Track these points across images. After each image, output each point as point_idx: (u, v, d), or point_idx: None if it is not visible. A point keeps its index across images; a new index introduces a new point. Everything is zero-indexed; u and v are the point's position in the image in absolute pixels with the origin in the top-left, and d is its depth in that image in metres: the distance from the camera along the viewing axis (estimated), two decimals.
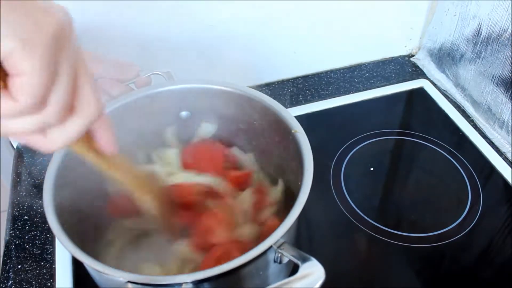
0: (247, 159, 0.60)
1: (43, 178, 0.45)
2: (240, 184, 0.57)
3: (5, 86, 0.27)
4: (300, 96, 0.81)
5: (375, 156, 0.70)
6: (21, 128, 0.29)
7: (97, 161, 0.39)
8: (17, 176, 0.67)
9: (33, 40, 0.26)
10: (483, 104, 0.75)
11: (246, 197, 0.55)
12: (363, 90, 0.82)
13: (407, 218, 0.62)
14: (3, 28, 0.25)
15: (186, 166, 0.58)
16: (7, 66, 0.27)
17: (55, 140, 0.32)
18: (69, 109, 0.31)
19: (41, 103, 0.28)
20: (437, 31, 0.83)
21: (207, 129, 0.61)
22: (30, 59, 0.26)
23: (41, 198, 0.44)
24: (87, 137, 0.37)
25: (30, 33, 0.26)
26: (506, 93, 0.70)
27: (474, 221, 0.61)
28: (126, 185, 0.45)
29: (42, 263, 0.57)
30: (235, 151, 0.60)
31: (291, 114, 0.52)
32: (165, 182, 0.55)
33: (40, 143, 0.32)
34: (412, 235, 0.60)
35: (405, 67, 0.88)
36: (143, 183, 0.47)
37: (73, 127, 0.32)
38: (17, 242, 0.59)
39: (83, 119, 0.32)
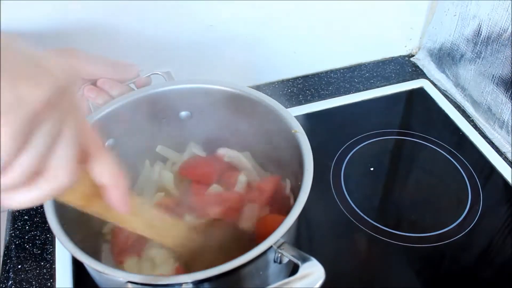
0: (243, 160, 0.60)
1: None
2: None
3: None
4: (300, 96, 0.81)
5: (375, 156, 0.70)
6: None
7: (106, 216, 0.37)
8: None
9: (8, 116, 0.24)
10: (483, 104, 0.75)
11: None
12: (363, 90, 0.82)
13: (407, 218, 0.62)
14: None
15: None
16: None
17: (18, 200, 0.29)
18: (38, 172, 0.28)
19: (4, 168, 0.26)
20: (437, 31, 0.83)
21: (195, 149, 0.61)
22: (2, 128, 0.24)
23: None
24: (95, 194, 0.34)
25: (8, 107, 0.24)
26: (506, 93, 0.70)
27: (474, 221, 0.61)
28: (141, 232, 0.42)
29: (42, 263, 0.57)
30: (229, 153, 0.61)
31: (291, 114, 0.52)
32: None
33: (5, 200, 0.29)
34: (412, 235, 0.60)
35: (405, 67, 0.88)
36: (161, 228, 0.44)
37: (39, 191, 0.29)
38: (17, 242, 0.59)
39: (50, 185, 0.29)
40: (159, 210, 0.45)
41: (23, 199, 0.29)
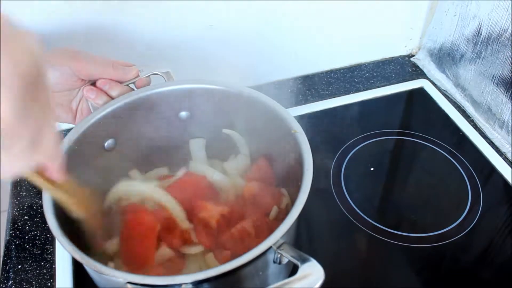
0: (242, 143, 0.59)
1: None
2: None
3: None
4: (300, 96, 0.81)
5: (375, 156, 0.70)
6: None
7: (50, 188, 0.41)
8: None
9: (7, 82, 0.26)
10: (483, 104, 0.75)
11: None
12: (363, 90, 0.82)
13: (407, 218, 0.62)
14: None
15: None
16: None
17: (7, 167, 0.31)
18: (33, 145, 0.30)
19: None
20: (437, 31, 0.83)
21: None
22: (4, 100, 0.26)
23: (41, 198, 0.44)
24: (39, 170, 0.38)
25: (7, 74, 0.26)
26: (506, 93, 0.70)
27: (474, 221, 0.61)
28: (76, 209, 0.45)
29: (42, 263, 0.57)
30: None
31: (291, 114, 0.52)
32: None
33: None
34: (412, 235, 0.59)
35: (405, 67, 0.88)
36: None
37: (29, 161, 0.32)
38: (17, 242, 0.59)
39: (41, 157, 0.32)
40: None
41: (13, 167, 0.31)
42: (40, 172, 0.38)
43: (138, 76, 0.56)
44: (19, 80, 0.26)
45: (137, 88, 0.56)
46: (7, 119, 0.26)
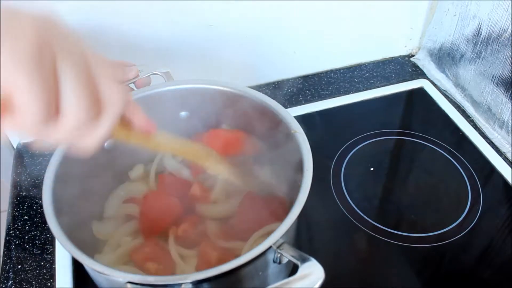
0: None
1: (43, 178, 0.45)
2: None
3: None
4: (300, 96, 0.81)
5: (375, 156, 0.70)
6: (59, 138, 0.29)
7: (142, 142, 0.40)
8: (17, 176, 0.67)
9: (15, 55, 0.25)
10: (483, 104, 0.75)
11: None
12: (363, 90, 0.82)
13: (407, 218, 0.62)
14: None
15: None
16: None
17: (93, 139, 0.31)
18: (97, 105, 0.30)
19: (49, 113, 0.27)
20: (437, 31, 0.83)
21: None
22: (18, 76, 0.25)
23: (41, 198, 0.44)
24: (124, 124, 0.37)
25: (11, 47, 0.25)
26: (506, 93, 0.70)
27: (474, 221, 0.61)
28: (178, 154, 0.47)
29: (42, 263, 0.57)
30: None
31: (291, 114, 0.52)
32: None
33: (81, 143, 0.31)
34: (412, 235, 0.60)
35: (405, 67, 0.88)
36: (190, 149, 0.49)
37: (105, 122, 0.31)
38: (17, 242, 0.59)
39: (111, 113, 0.31)
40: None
41: (97, 136, 0.31)
42: (126, 128, 0.37)
43: (138, 76, 0.56)
44: (28, 53, 0.25)
45: (137, 88, 0.56)
46: (31, 93, 0.25)
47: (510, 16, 0.65)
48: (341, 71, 0.87)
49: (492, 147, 0.71)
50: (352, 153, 0.70)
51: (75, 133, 0.29)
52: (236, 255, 0.39)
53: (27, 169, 0.68)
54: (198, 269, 0.49)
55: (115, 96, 0.31)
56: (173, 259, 0.49)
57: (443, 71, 0.84)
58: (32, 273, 0.56)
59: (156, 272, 0.48)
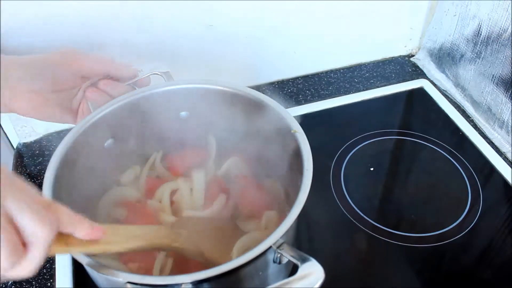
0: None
1: (43, 178, 0.45)
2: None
3: None
4: (300, 96, 0.81)
5: (375, 156, 0.70)
6: None
7: (89, 249, 0.38)
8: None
9: None
10: (483, 104, 0.75)
11: None
12: (363, 90, 0.82)
13: (407, 218, 0.62)
14: None
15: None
16: None
17: (25, 270, 0.32)
18: (22, 243, 0.30)
19: None
20: (437, 31, 0.83)
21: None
22: None
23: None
24: (65, 238, 0.36)
25: None
26: (506, 93, 0.70)
27: (474, 221, 0.61)
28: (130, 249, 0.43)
29: (42, 263, 0.57)
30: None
31: (291, 114, 0.52)
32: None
33: (15, 274, 0.32)
34: (412, 235, 0.59)
35: (405, 67, 0.88)
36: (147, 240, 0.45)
37: (36, 256, 0.31)
38: None
39: (39, 246, 0.31)
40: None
41: (29, 267, 0.32)
42: (70, 242, 0.36)
43: (138, 76, 0.56)
44: None
45: (137, 87, 0.56)
46: None
47: (510, 16, 0.65)
48: (341, 71, 0.87)
49: (492, 147, 0.71)
50: (352, 153, 0.70)
51: (6, 271, 0.30)
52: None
53: (27, 169, 0.68)
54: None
55: (40, 229, 0.31)
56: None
57: (443, 71, 0.84)
58: None
59: (137, 271, 0.48)
